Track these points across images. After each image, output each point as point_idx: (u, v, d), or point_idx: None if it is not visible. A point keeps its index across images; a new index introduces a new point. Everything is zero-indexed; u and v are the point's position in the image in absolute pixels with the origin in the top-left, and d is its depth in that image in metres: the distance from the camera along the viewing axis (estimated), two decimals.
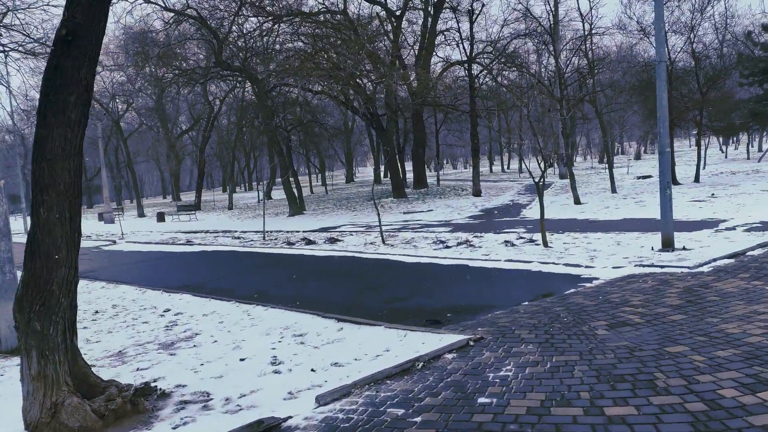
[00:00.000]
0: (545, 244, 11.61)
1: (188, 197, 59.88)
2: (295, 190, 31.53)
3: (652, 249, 10.05)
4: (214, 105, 47.54)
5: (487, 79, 35.45)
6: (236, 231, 23.62)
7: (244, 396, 4.93)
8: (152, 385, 5.33)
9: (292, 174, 35.36)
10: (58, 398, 4.44)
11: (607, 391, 4.18)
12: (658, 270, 8.36)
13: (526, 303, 7.22)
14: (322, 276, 11.05)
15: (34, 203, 4.53)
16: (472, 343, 5.50)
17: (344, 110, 39.80)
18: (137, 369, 6.04)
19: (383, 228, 19.15)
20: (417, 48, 34.65)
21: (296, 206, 30.31)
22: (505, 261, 10.36)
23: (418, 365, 5.05)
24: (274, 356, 5.97)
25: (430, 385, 4.63)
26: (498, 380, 4.57)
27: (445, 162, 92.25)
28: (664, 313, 6.08)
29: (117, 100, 49.66)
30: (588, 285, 7.95)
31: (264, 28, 29.27)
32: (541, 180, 12.05)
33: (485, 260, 10.69)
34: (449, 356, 5.23)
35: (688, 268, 8.17)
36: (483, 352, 5.25)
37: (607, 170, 25.34)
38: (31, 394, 4.50)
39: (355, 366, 5.39)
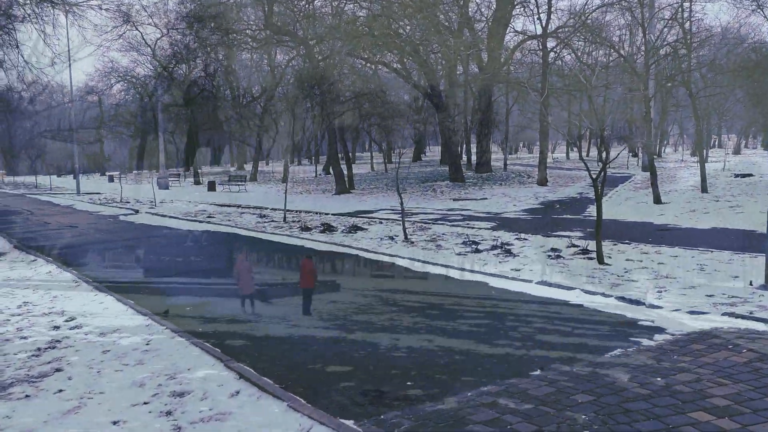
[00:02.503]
0: (600, 259, 8.77)
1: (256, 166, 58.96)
2: (344, 168, 29.36)
3: (751, 284, 7.04)
4: (276, 73, 46.04)
5: (564, 54, 31.54)
6: (268, 208, 21.81)
7: None
8: None
9: (342, 150, 33.23)
10: None
11: None
12: (760, 326, 5.45)
13: (538, 372, 4.57)
14: (286, 291, 8.04)
15: None
16: None
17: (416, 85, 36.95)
18: None
19: (419, 218, 16.65)
20: (492, 20, 31.25)
21: (342, 185, 28.17)
22: (537, 283, 7.65)
23: None
24: None
25: None
26: None
27: (521, 145, 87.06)
28: None
29: (186, 65, 49.13)
30: (644, 343, 5.20)
31: None
32: (600, 175, 9.10)
33: (512, 279, 8.00)
34: None
35: None
36: None
37: (698, 164, 21.41)
38: None
39: None
